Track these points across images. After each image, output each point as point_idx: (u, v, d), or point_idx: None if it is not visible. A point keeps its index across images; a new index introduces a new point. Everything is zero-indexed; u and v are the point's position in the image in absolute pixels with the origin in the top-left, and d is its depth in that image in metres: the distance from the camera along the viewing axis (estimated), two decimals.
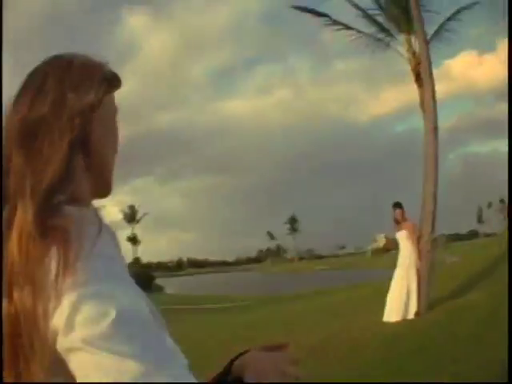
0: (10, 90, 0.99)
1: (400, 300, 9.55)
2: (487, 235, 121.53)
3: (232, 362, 1.12)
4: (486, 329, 7.59)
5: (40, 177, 0.87)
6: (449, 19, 14.61)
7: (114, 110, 1.05)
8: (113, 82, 1.04)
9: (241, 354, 1.13)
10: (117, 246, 0.96)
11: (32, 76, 0.97)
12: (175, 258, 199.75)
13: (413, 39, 13.83)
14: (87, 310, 0.78)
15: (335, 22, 14.54)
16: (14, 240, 0.83)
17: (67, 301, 0.79)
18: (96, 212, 0.96)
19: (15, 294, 0.81)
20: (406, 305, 9.51)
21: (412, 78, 13.43)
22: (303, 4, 15.09)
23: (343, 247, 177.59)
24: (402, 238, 9.89)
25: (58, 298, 0.79)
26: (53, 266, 0.81)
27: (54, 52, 1.02)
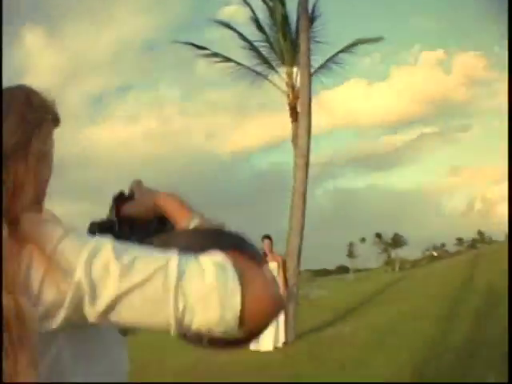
0: None
1: (269, 330, 10.05)
2: (359, 270, 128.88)
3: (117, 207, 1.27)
4: (363, 357, 8.06)
5: (16, 199, 1.01)
6: (341, 51, 15.86)
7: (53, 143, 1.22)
8: (56, 122, 1.23)
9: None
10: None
11: None
12: None
13: (295, 72, 14.98)
14: (97, 268, 0.93)
15: (215, 54, 15.72)
16: None
17: (77, 277, 0.92)
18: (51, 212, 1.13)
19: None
20: (275, 335, 10.08)
21: (286, 112, 14.61)
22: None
23: None
24: (270, 270, 10.44)
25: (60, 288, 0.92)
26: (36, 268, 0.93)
27: None
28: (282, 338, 10.23)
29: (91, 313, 0.93)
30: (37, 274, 0.93)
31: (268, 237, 10.58)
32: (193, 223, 1.15)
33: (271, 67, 16.23)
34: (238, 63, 16.04)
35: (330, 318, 13.45)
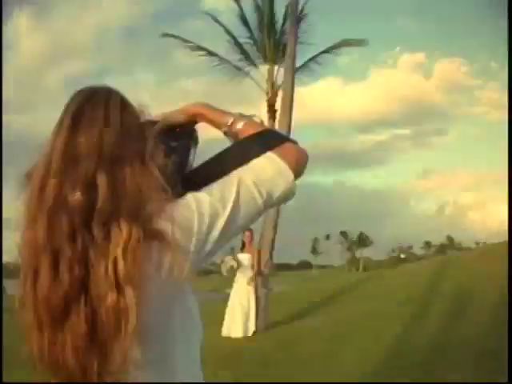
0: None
1: (240, 318, 10.89)
2: (322, 267, 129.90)
3: None
4: (331, 349, 8.70)
5: (137, 197, 1.23)
6: (325, 52, 16.80)
7: None
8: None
9: None
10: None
11: (95, 106, 1.30)
12: None
13: (276, 70, 16.10)
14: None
15: (199, 48, 16.71)
16: (119, 250, 1.17)
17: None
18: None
19: (127, 291, 1.17)
20: (245, 324, 10.91)
21: (260, 108, 15.64)
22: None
23: None
24: (245, 260, 11.33)
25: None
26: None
27: None
28: (252, 328, 10.95)
29: (213, 237, 1.32)
30: (164, 262, 1.23)
31: (249, 228, 11.29)
32: (231, 119, 1.56)
33: (252, 63, 17.15)
34: (221, 58, 16.95)
35: (295, 312, 14.04)
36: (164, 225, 1.23)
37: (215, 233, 1.32)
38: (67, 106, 1.32)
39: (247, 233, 11.27)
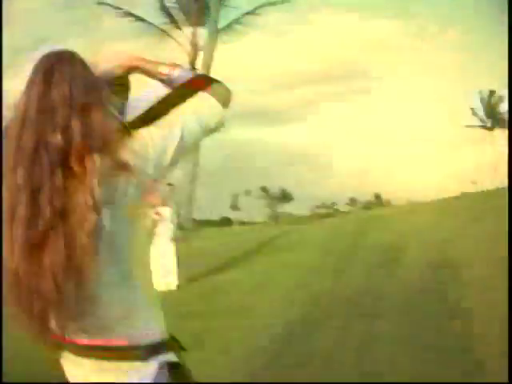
0: None
1: (162, 273, 11.01)
2: (243, 223, 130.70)
3: None
4: (253, 300, 9.05)
5: (103, 135, 1.57)
6: (248, 13, 17.89)
7: None
8: None
9: None
10: None
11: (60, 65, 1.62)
12: None
13: (199, 32, 17.60)
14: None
15: (128, 13, 18.43)
16: (95, 178, 1.50)
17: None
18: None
19: (105, 211, 1.52)
20: (167, 279, 11.17)
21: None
22: None
23: None
24: (166, 213, 11.64)
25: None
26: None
27: None
28: (175, 282, 11.28)
29: (166, 162, 1.73)
30: (130, 188, 1.61)
31: (169, 183, 11.69)
32: (168, 69, 1.94)
33: (177, 26, 18.64)
34: (149, 23, 18.66)
35: (216, 265, 14.34)
36: (127, 157, 1.58)
37: (166, 161, 1.73)
38: (36, 67, 1.61)
39: (168, 187, 11.54)
